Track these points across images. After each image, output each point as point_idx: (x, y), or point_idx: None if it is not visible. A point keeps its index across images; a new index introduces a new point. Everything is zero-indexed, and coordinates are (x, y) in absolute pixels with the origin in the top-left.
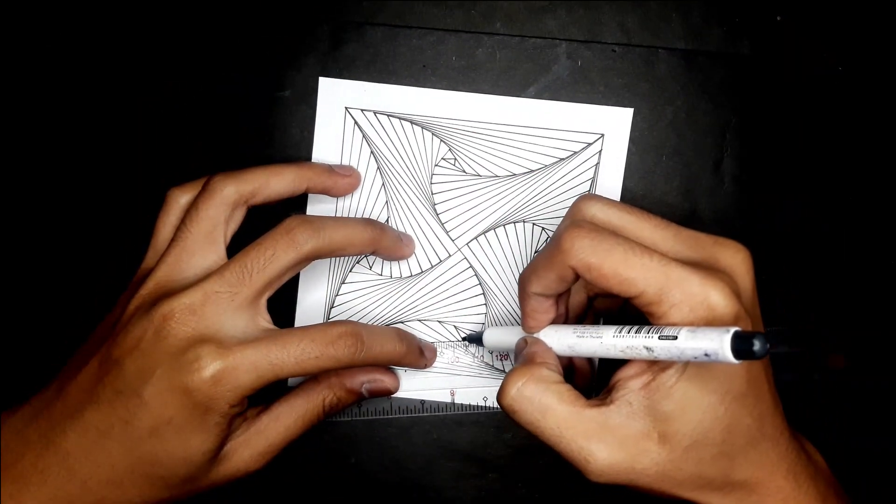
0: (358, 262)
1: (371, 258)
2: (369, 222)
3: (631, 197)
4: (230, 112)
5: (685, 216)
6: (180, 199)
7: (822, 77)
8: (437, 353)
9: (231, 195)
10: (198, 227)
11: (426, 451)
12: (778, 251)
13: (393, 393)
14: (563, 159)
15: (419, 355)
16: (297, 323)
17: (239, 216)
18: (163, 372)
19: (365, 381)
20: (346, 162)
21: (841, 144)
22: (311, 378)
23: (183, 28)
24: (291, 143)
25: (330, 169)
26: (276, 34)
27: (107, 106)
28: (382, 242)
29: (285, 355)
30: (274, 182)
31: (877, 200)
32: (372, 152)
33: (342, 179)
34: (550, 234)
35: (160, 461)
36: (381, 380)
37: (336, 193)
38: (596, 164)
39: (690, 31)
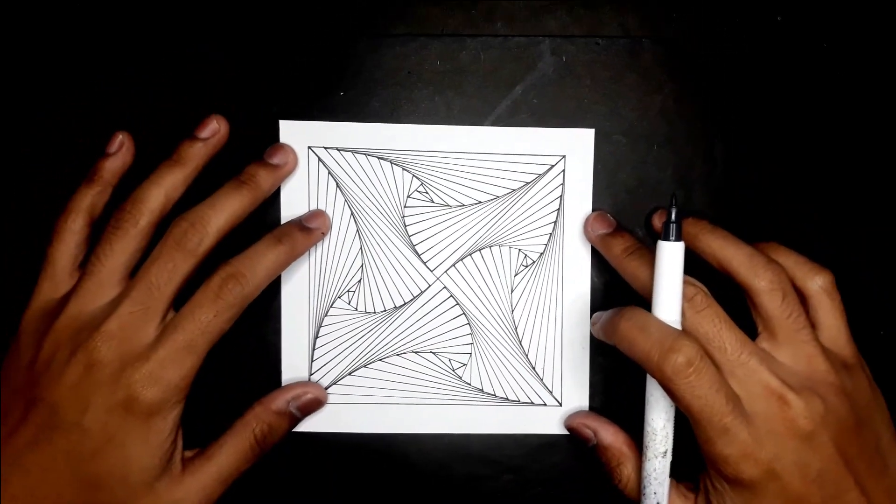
0: (339, 297)
1: (349, 295)
2: (243, 187)
3: (625, 188)
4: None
5: (680, 203)
6: (69, 226)
7: (809, 64)
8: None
9: (143, 230)
10: (111, 261)
11: (439, 455)
12: (773, 231)
13: (322, 403)
14: (529, 183)
15: (307, 236)
16: (285, 372)
17: (146, 243)
18: (98, 398)
19: (289, 398)
20: (313, 199)
21: (832, 124)
22: (240, 416)
23: (162, 53)
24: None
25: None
26: (260, 50)
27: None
28: (265, 192)
29: (190, 334)
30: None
31: (870, 180)
32: (339, 187)
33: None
34: (527, 254)
35: (100, 481)
36: (305, 393)
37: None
38: (561, 185)
39: (691, 31)
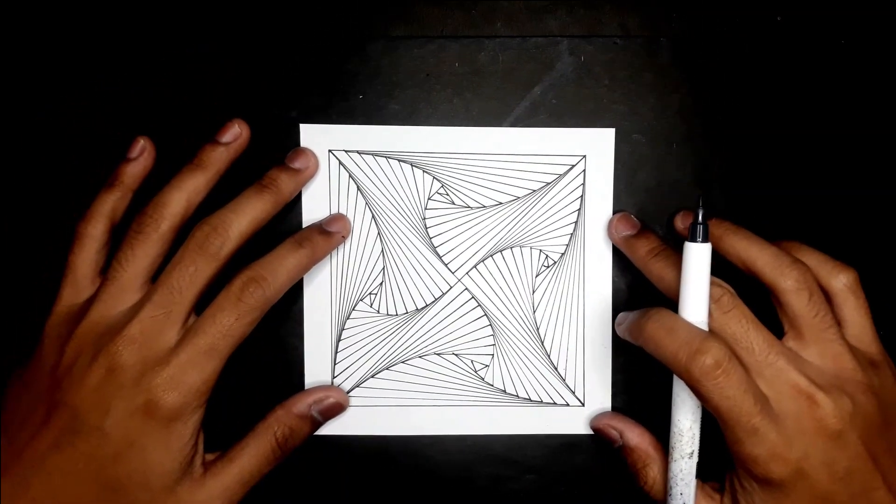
0: (361, 300)
1: (371, 297)
2: (264, 191)
3: (645, 188)
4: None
5: (705, 204)
6: (90, 231)
7: (827, 62)
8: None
9: (164, 234)
10: (133, 266)
11: (461, 457)
12: (791, 230)
13: (344, 407)
14: (549, 183)
15: (327, 239)
16: (307, 375)
17: (168, 247)
18: (119, 402)
19: (310, 402)
20: (334, 203)
21: (852, 122)
22: (262, 419)
23: (181, 63)
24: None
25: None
26: (277, 55)
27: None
28: (286, 196)
29: (211, 338)
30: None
31: (887, 178)
32: (359, 190)
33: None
34: (548, 255)
35: (122, 485)
36: (327, 397)
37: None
38: (582, 185)
39: (691, 31)
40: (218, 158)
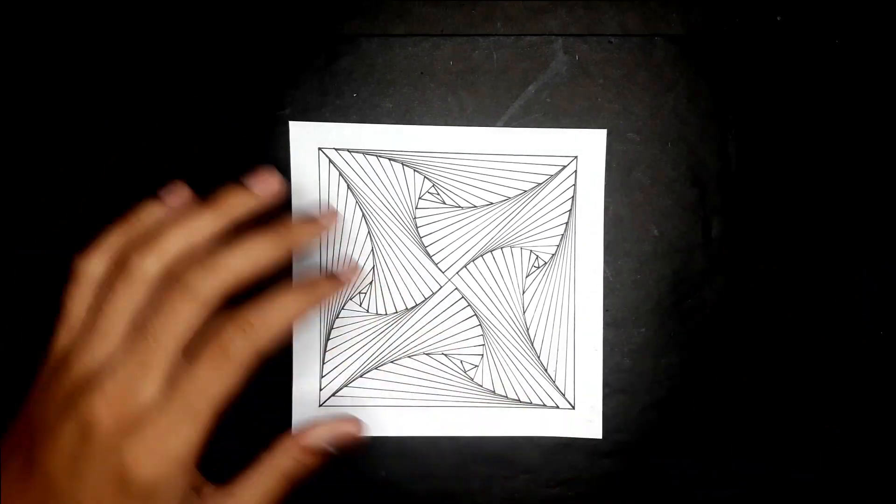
0: (350, 299)
1: (361, 297)
2: (274, 235)
3: (639, 187)
4: (230, 135)
5: (694, 202)
6: (89, 268)
7: (819, 62)
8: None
9: (153, 276)
10: (115, 313)
11: (455, 457)
12: (785, 228)
13: (363, 437)
14: (541, 184)
15: (332, 282)
16: (296, 376)
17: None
18: (92, 471)
19: (324, 436)
20: (324, 201)
21: (844, 121)
22: (267, 449)
23: (172, 59)
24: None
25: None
26: (270, 52)
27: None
28: (299, 244)
29: (189, 397)
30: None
31: (880, 177)
32: (349, 189)
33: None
34: (538, 256)
35: None
36: (341, 427)
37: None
38: (573, 185)
39: (690, 31)
40: (235, 205)
